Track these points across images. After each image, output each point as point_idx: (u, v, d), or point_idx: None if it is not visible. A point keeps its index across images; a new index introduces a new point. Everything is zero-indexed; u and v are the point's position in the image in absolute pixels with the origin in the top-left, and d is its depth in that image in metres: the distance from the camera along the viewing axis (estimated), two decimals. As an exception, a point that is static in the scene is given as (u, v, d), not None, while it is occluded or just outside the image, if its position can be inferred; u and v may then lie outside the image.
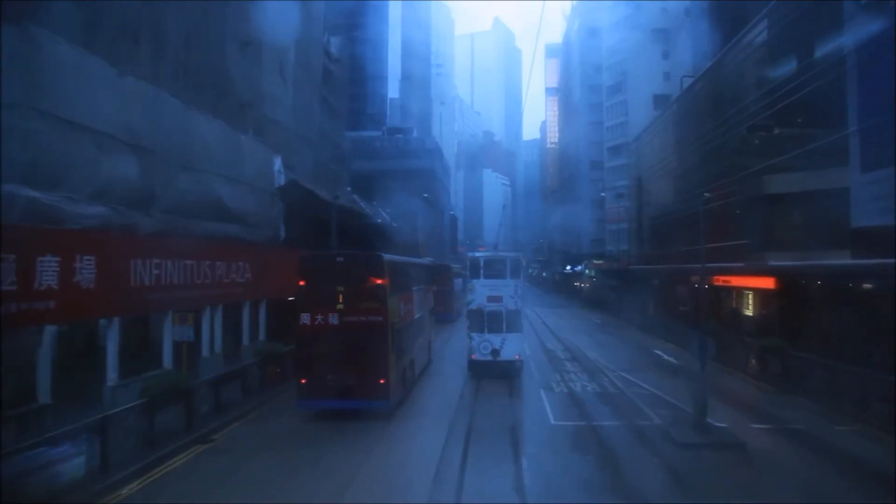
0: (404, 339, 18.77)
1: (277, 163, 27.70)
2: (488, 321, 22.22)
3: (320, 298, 16.59)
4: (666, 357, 27.47)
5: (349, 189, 49.68)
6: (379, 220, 48.13)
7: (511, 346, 22.03)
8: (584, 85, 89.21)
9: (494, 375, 21.81)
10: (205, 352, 20.93)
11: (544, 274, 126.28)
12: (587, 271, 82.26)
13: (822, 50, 24.79)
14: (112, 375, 15.73)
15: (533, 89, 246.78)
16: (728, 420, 15.38)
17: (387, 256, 18.09)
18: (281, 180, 27.72)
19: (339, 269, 17.07)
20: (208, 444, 14.10)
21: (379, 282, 16.72)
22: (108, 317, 15.46)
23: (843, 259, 21.90)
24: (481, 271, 23.18)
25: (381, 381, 16.04)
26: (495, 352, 21.98)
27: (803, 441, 14.25)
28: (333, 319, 16.30)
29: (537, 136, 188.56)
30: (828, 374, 18.35)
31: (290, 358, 23.00)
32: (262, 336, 25.20)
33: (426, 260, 33.85)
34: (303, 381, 16.23)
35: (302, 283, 16.86)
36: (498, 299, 22.49)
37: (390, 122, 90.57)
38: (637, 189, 56.10)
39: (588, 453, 13.10)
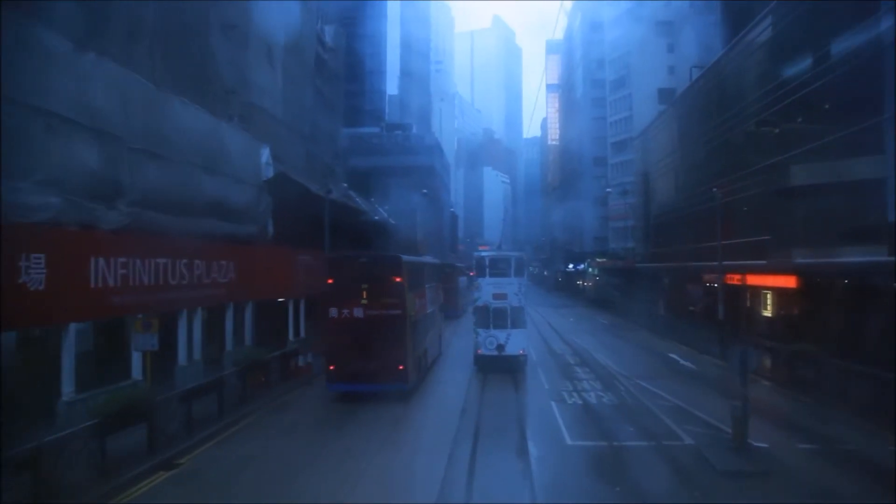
0: (419, 330, 20.63)
1: (265, 154, 25.81)
2: (494, 317, 22.99)
3: (346, 295, 18.40)
4: (682, 362, 25.57)
5: (345, 185, 47.90)
6: (376, 217, 46.35)
7: (515, 342, 22.81)
8: (586, 80, 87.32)
9: (500, 370, 22.30)
10: (182, 360, 19.09)
11: (546, 272, 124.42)
12: (590, 270, 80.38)
13: (851, 35, 23.08)
14: (68, 390, 13.89)
15: (533, 87, 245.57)
16: (767, 438, 13.47)
17: (404, 258, 20.18)
18: (269, 172, 25.84)
19: (363, 269, 18.97)
20: (173, 470, 12.18)
21: (398, 280, 18.70)
22: (60, 322, 13.60)
23: (878, 256, 20.12)
24: (487, 270, 24.03)
25: (400, 367, 18.02)
26: (500, 347, 22.67)
27: (859, 465, 12.34)
28: (358, 313, 18.29)
29: (538, 133, 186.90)
30: (872, 385, 16.49)
31: (278, 365, 21.23)
32: (248, 341, 23.36)
33: (435, 260, 34.67)
34: (331, 367, 18.22)
35: (330, 281, 18.81)
36: (503, 297, 23.22)
37: (389, 118, 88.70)
38: (644, 184, 54.21)
39: (614, 483, 11.18)
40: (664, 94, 69.68)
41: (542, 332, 37.18)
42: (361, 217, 41.13)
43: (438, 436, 14.38)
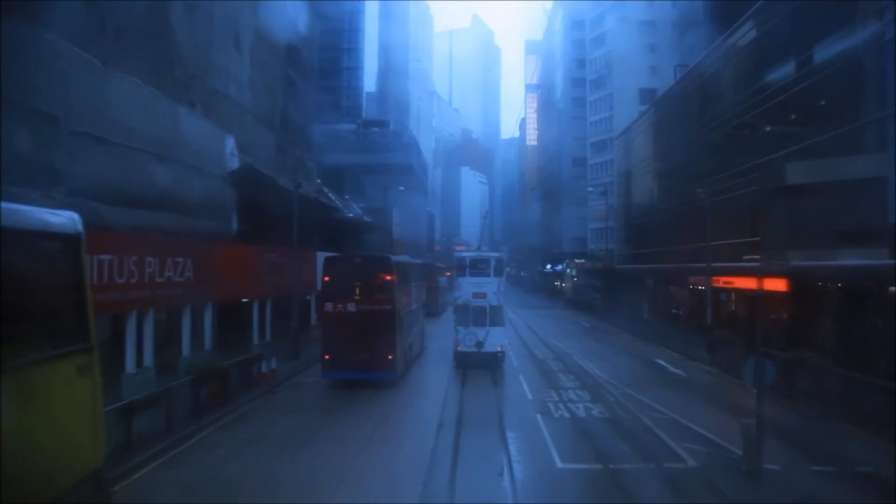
0: (405, 325, 22.02)
1: (230, 144, 24.11)
2: (473, 315, 23.61)
3: (341, 291, 19.88)
4: (671, 369, 24.30)
5: (319, 181, 46.22)
6: (350, 215, 44.69)
7: (494, 339, 23.48)
8: (566, 79, 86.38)
9: (479, 366, 23.00)
10: (129, 367, 17.26)
11: (522, 273, 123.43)
12: (568, 271, 79.38)
13: (844, 34, 22.19)
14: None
15: (511, 88, 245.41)
16: (777, 459, 12.11)
17: (394, 258, 22.57)
18: (233, 164, 24.11)
19: (357, 268, 20.90)
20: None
21: (388, 278, 20.24)
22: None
23: (878, 258, 19.10)
24: (467, 270, 24.63)
25: (390, 357, 19.50)
26: (479, 343, 23.33)
27: (884, 492, 11.06)
28: (352, 307, 19.72)
29: (516, 134, 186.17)
30: (878, 396, 15.32)
31: (239, 372, 19.46)
32: (208, 345, 21.56)
33: (419, 260, 36.03)
34: (326, 356, 19.67)
35: (326, 278, 20.46)
36: (482, 296, 23.87)
37: (367, 115, 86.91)
38: (625, 184, 53.28)
39: (614, 517, 9.74)
40: (645, 95, 68.95)
41: (521, 334, 35.80)
42: (334, 214, 39.47)
43: (413, 457, 12.80)
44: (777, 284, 25.90)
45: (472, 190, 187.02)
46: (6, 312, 5.02)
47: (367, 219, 48.79)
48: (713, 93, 34.29)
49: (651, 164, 44.76)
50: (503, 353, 23.82)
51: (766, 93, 27.11)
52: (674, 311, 39.28)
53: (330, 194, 46.95)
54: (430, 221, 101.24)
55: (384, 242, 55.66)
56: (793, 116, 25.65)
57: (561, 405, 17.26)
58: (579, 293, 64.46)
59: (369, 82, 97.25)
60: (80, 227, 6.23)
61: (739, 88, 29.90)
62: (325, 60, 65.12)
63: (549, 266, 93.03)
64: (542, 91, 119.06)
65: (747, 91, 28.76)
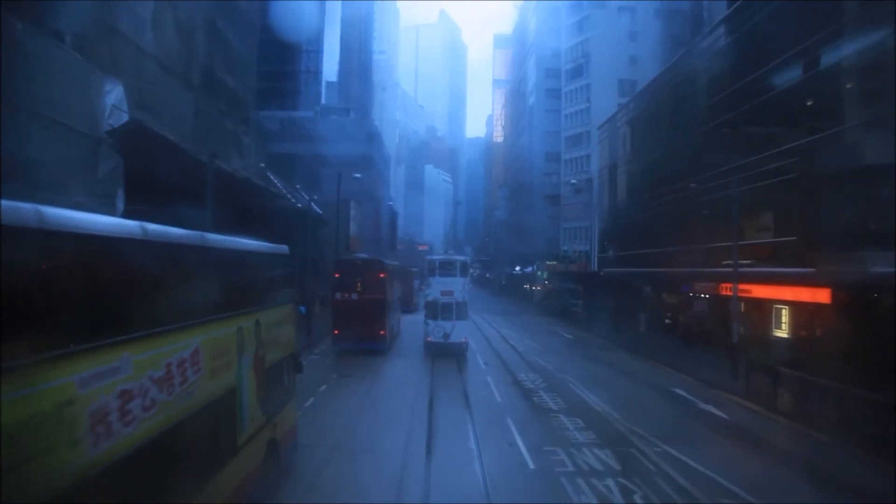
0: (390, 311, 28.07)
1: (114, 92, 17.52)
2: (441, 311, 26.81)
3: (347, 284, 26.43)
4: (702, 405, 18.61)
5: (263, 165, 40.13)
6: (299, 205, 38.44)
7: (459, 331, 26.73)
8: (539, 69, 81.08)
9: (446, 354, 25.81)
10: None
11: (488, 275, 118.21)
12: (540, 273, 74.16)
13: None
14: None
15: (478, 87, 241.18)
16: None
17: (386, 262, 30.36)
18: (119, 119, 17.57)
19: (359, 268, 27.40)
20: None
21: (381, 276, 27.09)
22: None
23: None
24: (437, 271, 27.95)
25: (382, 332, 26.36)
26: (446, 335, 26.46)
27: None
28: (355, 297, 26.23)
29: (481, 133, 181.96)
30: None
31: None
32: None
33: (398, 263, 41.74)
34: (336, 331, 26.23)
35: (336, 275, 26.84)
36: (449, 293, 27.00)
37: (327, 102, 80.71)
38: (609, 178, 48.01)
39: None
40: (626, 85, 64.42)
41: (497, 349, 29.93)
42: (277, 202, 33.17)
43: None
44: (818, 296, 20.72)
45: (436, 188, 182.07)
46: (276, 286, 10.86)
47: (318, 210, 42.38)
48: (725, 70, 28.99)
49: (644, 156, 39.49)
50: (466, 343, 27.36)
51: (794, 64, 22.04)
52: (667, 321, 34.04)
53: (275, 181, 40.61)
54: (392, 219, 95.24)
55: (339, 239, 49.54)
56: (849, 85, 20.43)
57: (581, 481, 11.26)
58: (554, 298, 59.17)
59: (330, 71, 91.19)
60: (288, 250, 11.54)
61: (762, 62, 24.57)
62: (283, 42, 58.96)
63: (518, 268, 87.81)
64: (512, 85, 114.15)
65: (772, 63, 23.57)
